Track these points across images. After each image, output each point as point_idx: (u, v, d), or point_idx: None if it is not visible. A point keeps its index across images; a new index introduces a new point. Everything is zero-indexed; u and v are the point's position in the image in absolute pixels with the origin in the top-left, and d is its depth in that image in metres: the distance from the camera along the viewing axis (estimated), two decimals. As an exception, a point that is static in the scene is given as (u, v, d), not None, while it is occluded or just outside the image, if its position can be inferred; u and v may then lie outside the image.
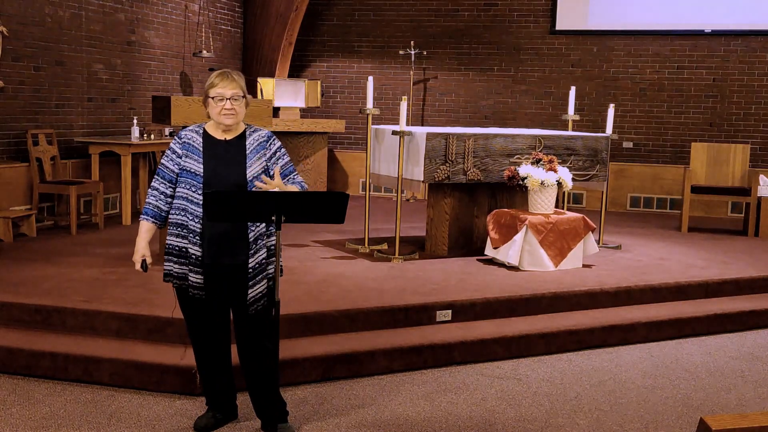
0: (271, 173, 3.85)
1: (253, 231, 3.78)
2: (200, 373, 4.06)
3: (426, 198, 7.72)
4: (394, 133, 6.88)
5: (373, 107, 7.15)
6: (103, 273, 6.00)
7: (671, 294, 6.35)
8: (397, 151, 6.87)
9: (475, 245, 7.24)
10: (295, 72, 11.82)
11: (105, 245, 7.11)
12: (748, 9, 10.40)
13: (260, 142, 3.86)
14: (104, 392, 4.48)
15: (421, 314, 5.45)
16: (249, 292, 3.78)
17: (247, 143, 3.84)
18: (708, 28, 10.56)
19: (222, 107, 3.75)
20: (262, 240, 3.79)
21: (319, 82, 10.86)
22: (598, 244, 7.60)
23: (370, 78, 7.27)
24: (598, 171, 7.49)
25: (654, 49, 10.83)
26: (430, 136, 6.73)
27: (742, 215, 9.57)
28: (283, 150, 3.92)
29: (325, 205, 3.67)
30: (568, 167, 7.07)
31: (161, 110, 6.32)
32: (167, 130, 8.95)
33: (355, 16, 11.76)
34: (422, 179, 6.77)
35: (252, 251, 3.77)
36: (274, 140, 3.91)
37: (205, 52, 10.33)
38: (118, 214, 8.65)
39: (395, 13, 11.62)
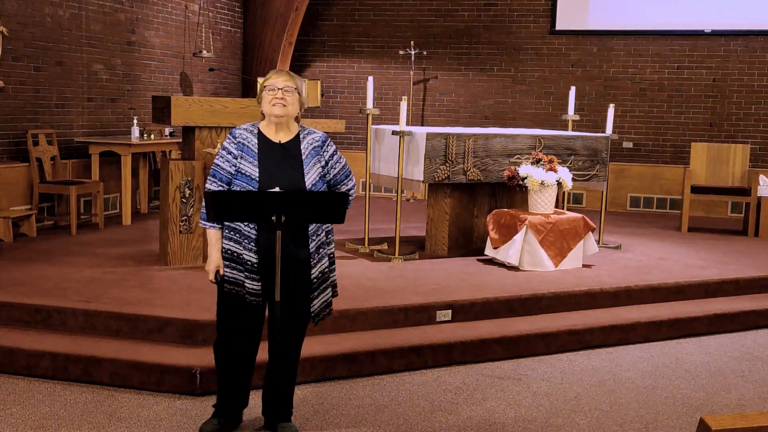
0: (328, 179, 3.84)
1: (314, 240, 3.76)
2: (221, 377, 3.95)
3: (426, 198, 7.72)
4: (394, 133, 6.88)
5: (373, 107, 7.16)
6: (103, 273, 6.00)
7: (671, 294, 6.35)
8: (397, 151, 6.87)
9: (475, 245, 7.24)
10: (295, 72, 11.79)
11: (105, 245, 7.11)
12: (748, 9, 10.40)
13: (315, 146, 3.83)
14: (104, 392, 4.48)
15: (421, 314, 5.45)
16: (314, 302, 3.82)
17: (302, 147, 3.81)
18: (708, 28, 10.56)
19: (273, 96, 3.73)
20: (324, 249, 3.80)
21: (319, 82, 10.83)
22: (598, 244, 7.60)
23: (370, 78, 7.27)
24: (598, 171, 7.50)
25: (654, 49, 10.83)
26: (430, 136, 6.73)
27: (742, 215, 9.57)
28: (337, 155, 3.89)
29: (326, 205, 3.66)
30: (568, 167, 7.07)
31: (161, 110, 6.32)
32: (167, 130, 8.96)
33: (355, 16, 11.76)
34: (422, 179, 6.77)
35: (314, 261, 3.77)
36: (329, 144, 3.87)
37: (205, 52, 10.33)
38: (118, 214, 8.65)
39: (395, 13, 11.62)
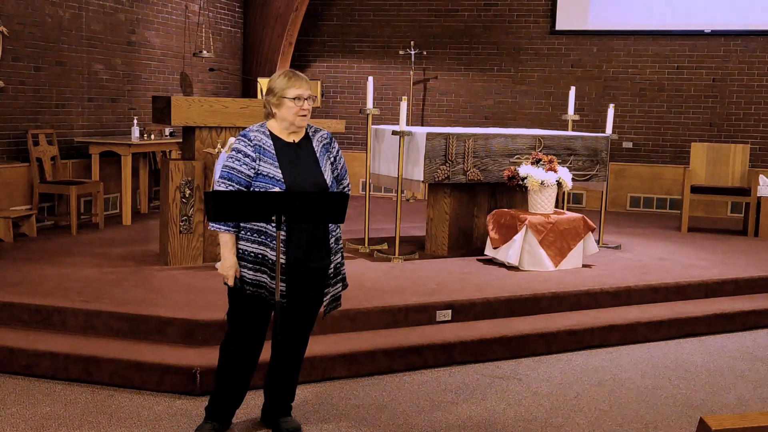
0: (335, 174, 3.89)
1: (334, 234, 3.83)
2: (225, 377, 3.91)
3: (426, 198, 7.72)
4: (394, 133, 6.88)
5: (373, 107, 7.16)
6: (103, 273, 6.00)
7: (671, 294, 6.35)
8: (397, 151, 6.87)
9: (475, 245, 7.24)
10: (295, 72, 11.80)
11: (105, 245, 7.11)
12: (748, 9, 10.40)
13: (324, 144, 3.88)
14: (104, 392, 4.48)
15: (421, 314, 5.45)
16: (331, 290, 3.87)
17: (313, 145, 3.85)
18: (708, 28, 10.56)
19: (300, 107, 3.72)
20: (338, 244, 3.87)
21: (319, 82, 10.86)
22: (598, 244, 7.60)
23: (370, 78, 7.27)
24: (598, 171, 7.50)
25: (654, 49, 10.83)
26: (430, 136, 6.74)
27: (742, 215, 9.57)
28: (340, 152, 3.96)
29: (325, 205, 3.66)
30: (568, 167, 7.07)
31: (161, 110, 6.32)
32: (167, 130, 8.96)
33: (355, 16, 11.76)
34: (422, 179, 6.77)
35: (333, 253, 3.84)
36: (334, 142, 3.94)
37: (205, 52, 10.32)
38: (118, 214, 8.65)
39: (395, 13, 11.62)
